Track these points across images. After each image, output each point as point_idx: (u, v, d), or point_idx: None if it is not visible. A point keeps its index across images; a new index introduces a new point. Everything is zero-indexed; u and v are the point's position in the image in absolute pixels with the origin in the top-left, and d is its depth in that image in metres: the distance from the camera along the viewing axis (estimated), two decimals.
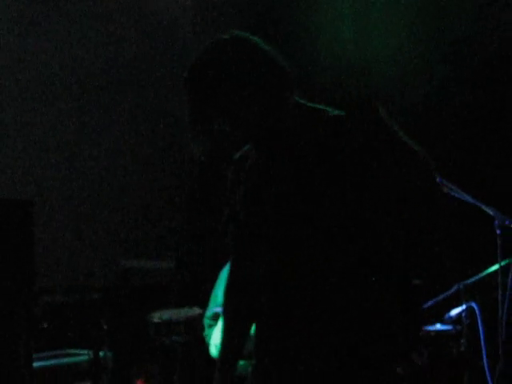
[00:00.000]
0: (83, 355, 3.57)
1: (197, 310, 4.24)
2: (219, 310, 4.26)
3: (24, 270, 2.95)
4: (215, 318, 4.30)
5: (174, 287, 4.61)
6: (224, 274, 4.31)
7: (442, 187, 2.03)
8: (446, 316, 4.32)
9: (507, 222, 3.99)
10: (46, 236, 4.44)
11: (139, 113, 5.47)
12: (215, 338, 4.29)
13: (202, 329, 4.37)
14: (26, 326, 2.72)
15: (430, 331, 4.30)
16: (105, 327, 3.31)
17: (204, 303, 4.17)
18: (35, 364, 3.35)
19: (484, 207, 4.03)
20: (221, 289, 4.28)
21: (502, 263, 4.01)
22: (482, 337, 4.12)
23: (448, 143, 5.31)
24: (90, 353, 3.43)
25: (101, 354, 3.31)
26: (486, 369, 3.99)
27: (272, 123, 2.04)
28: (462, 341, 4.29)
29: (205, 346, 4.19)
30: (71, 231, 4.77)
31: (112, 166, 5.21)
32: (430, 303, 4.53)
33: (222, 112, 2.00)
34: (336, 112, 2.03)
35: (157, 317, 4.26)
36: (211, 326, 4.32)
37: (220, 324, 4.28)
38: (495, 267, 4.12)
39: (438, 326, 4.36)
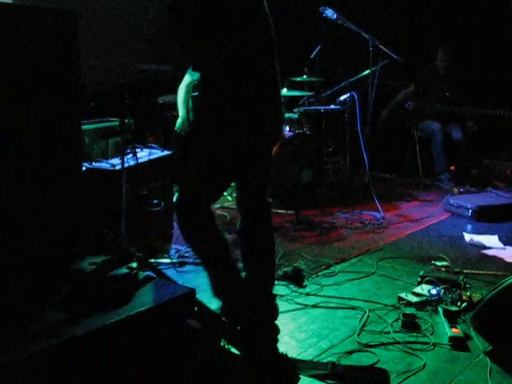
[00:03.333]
0: (115, 121, 4.32)
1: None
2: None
3: (69, 63, 2.82)
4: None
5: (172, 82, 5.92)
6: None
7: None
8: (337, 100, 6.30)
9: (376, 43, 6.08)
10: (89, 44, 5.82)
11: None
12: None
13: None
14: (76, 106, 2.88)
15: (327, 109, 6.26)
16: (128, 102, 3.91)
17: None
18: (86, 127, 4.29)
19: (362, 32, 6.05)
20: None
21: (372, 69, 6.12)
22: (358, 113, 5.94)
23: None
24: (120, 120, 4.03)
25: (126, 121, 4.00)
26: (359, 131, 5.84)
27: None
28: (345, 115, 6.25)
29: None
30: (104, 43, 6.37)
31: None
32: (327, 92, 6.60)
33: None
34: None
35: (162, 99, 6.07)
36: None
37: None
38: (367, 71, 6.21)
39: (332, 106, 6.29)
